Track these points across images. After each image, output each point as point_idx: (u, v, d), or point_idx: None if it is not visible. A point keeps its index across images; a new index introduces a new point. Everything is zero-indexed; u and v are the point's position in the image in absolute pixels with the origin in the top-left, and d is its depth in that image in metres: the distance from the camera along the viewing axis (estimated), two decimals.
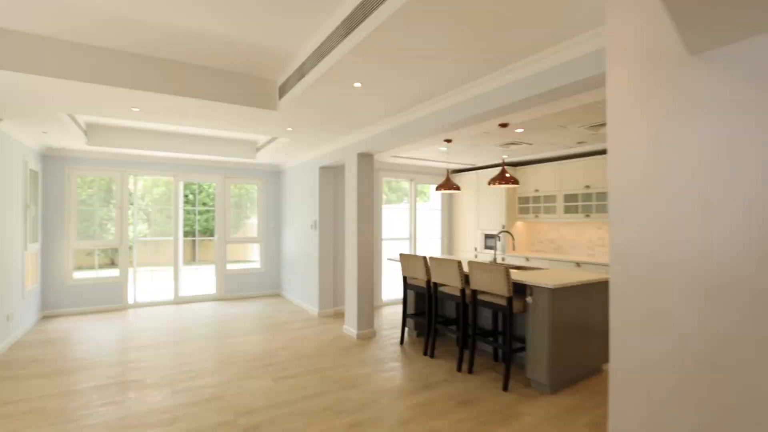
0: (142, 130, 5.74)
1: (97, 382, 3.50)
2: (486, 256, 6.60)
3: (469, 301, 3.86)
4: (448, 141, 4.62)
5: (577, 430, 2.80)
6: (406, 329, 5.16)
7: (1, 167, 4.41)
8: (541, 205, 6.01)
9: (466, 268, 4.25)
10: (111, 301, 6.26)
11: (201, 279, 7.39)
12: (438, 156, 6.14)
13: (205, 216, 7.21)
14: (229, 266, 7.19)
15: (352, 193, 4.92)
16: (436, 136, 4.10)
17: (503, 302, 3.47)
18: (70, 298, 5.99)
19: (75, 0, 2.47)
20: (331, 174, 6.02)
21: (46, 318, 5.74)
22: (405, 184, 7.21)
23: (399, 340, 4.71)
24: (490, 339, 3.93)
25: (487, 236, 6.59)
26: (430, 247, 7.39)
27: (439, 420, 2.90)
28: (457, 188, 4.77)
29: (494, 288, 3.47)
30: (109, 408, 3.04)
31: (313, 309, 6.03)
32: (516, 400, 3.24)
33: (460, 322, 3.88)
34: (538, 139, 4.86)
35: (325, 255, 5.93)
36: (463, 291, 3.82)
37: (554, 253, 6.07)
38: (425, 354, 4.24)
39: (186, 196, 7.47)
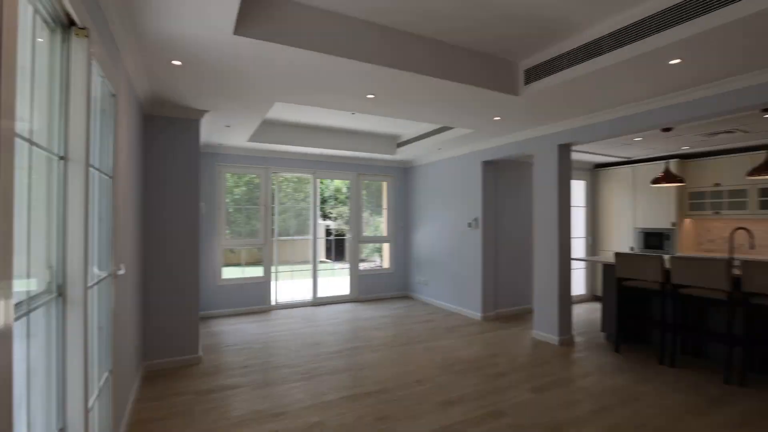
0: (284, 123, 5.51)
1: None
2: None
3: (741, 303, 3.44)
4: (667, 130, 4.20)
5: None
6: (592, 334, 4.78)
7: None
8: (724, 200, 5.52)
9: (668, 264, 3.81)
10: (257, 302, 6.07)
11: (333, 280, 7.18)
12: (613, 150, 5.70)
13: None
14: (357, 267, 6.95)
15: (550, 186, 4.56)
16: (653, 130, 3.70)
17: None
18: (220, 299, 5.83)
19: None
20: (493, 168, 5.68)
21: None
22: None
23: (609, 347, 4.31)
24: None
25: (648, 234, 6.12)
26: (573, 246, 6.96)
27: None
28: (681, 181, 4.34)
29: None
30: None
31: (472, 312, 5.69)
32: None
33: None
34: (758, 127, 4.40)
35: (488, 256, 5.59)
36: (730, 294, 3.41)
37: (739, 252, 5.56)
38: (662, 363, 3.84)
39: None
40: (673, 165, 5.85)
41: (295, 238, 6.59)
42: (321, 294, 6.61)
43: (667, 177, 4.52)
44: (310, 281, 6.54)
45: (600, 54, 2.75)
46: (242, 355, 4.10)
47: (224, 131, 4.85)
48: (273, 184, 6.28)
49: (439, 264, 6.42)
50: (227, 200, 6.01)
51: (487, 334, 4.89)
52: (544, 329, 4.62)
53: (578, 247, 6.90)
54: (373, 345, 4.47)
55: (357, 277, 6.84)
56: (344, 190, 7.09)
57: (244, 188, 6.07)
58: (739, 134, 4.74)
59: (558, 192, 4.46)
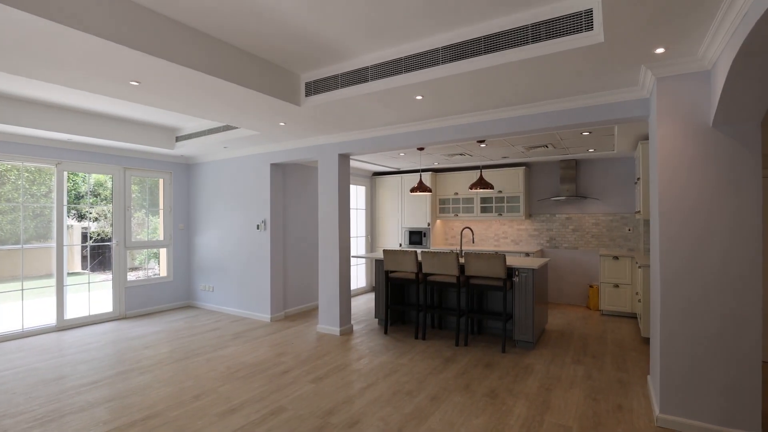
0: (7, 97, 4.28)
1: None
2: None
3: (463, 286, 4.56)
4: (421, 149, 5.19)
5: (570, 366, 3.84)
6: (368, 321, 5.49)
7: None
8: (460, 206, 7.19)
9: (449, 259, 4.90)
10: None
11: (90, 295, 5.79)
12: (386, 162, 6.59)
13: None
14: (125, 277, 5.91)
15: (332, 191, 4.95)
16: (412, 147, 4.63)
17: (499, 283, 4.30)
18: None
19: None
20: (281, 171, 5.76)
21: None
22: None
23: (381, 330, 5.02)
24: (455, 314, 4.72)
25: (412, 232, 7.40)
26: (356, 245, 7.73)
27: (488, 379, 3.50)
28: (429, 190, 5.38)
29: (491, 272, 4.27)
30: None
31: (261, 315, 5.65)
32: (517, 357, 4.11)
33: (419, 303, 4.52)
34: (481, 153, 5.93)
35: (276, 258, 5.64)
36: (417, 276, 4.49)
37: (466, 245, 7.33)
38: (417, 338, 4.72)
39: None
40: (428, 177, 7.27)
41: (31, 246, 5.03)
42: (71, 315, 5.32)
43: (420, 187, 5.60)
44: (54, 300, 5.18)
45: (366, 81, 3.19)
46: None
47: None
48: None
49: (227, 268, 6.11)
50: None
51: (276, 335, 4.95)
52: (327, 323, 5.00)
53: (361, 244, 7.75)
54: (143, 366, 3.91)
55: (123, 289, 5.81)
56: (109, 184, 5.93)
57: None
58: (467, 156, 6.28)
59: (338, 196, 4.91)
